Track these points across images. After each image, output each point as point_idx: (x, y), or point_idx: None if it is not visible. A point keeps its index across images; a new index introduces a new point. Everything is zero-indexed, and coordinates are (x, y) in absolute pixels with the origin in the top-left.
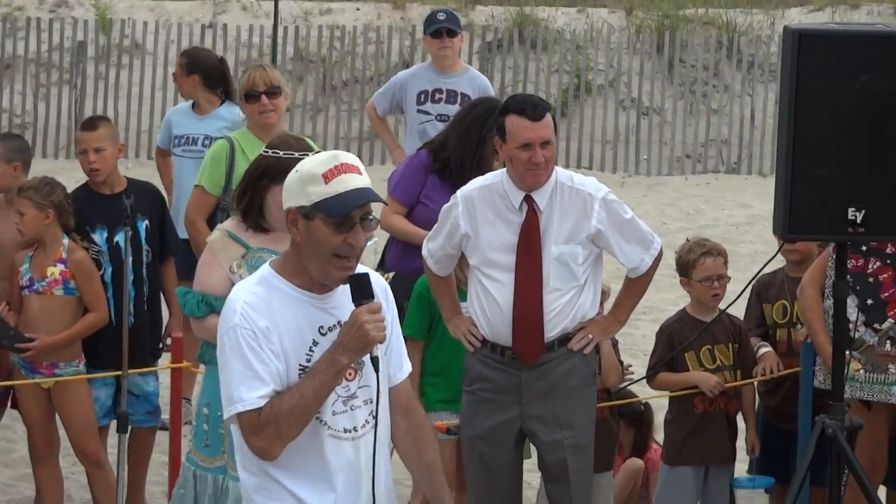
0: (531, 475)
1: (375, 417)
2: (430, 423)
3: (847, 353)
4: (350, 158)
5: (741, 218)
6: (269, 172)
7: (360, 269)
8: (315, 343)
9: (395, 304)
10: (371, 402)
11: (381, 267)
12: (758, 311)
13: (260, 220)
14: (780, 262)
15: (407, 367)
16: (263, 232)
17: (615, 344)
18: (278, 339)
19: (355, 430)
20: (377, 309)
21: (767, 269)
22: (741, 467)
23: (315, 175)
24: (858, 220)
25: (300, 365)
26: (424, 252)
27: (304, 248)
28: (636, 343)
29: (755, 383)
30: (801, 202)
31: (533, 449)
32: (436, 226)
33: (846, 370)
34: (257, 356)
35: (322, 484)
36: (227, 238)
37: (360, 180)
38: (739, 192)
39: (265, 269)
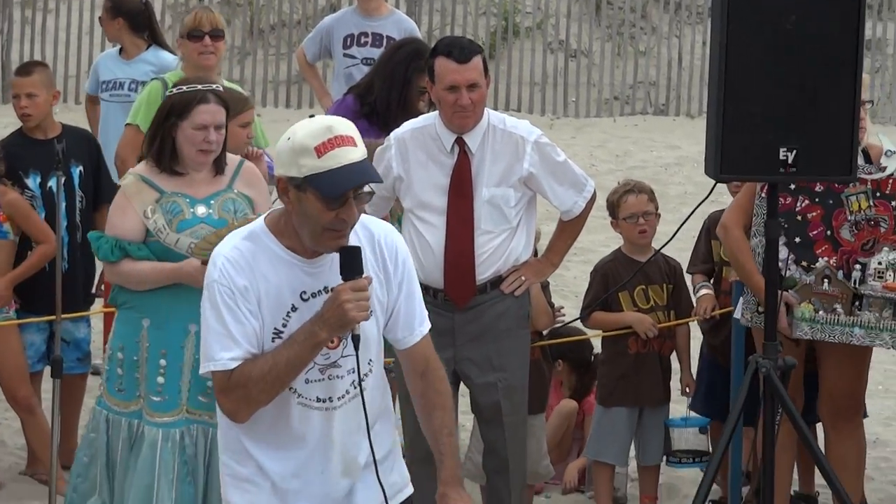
0: (465, 417)
1: (360, 389)
2: (446, 385)
3: (791, 292)
4: (345, 129)
5: (670, 159)
6: (175, 110)
7: (354, 240)
8: (294, 308)
9: (409, 262)
10: (354, 372)
11: None
12: (706, 248)
13: (173, 164)
14: (712, 202)
15: (422, 329)
16: (178, 175)
17: (546, 286)
18: (256, 299)
19: (330, 400)
20: (362, 287)
21: (714, 207)
22: (675, 408)
23: (307, 147)
24: (790, 161)
25: (274, 328)
26: None
27: (295, 216)
28: (567, 284)
29: (689, 324)
30: (733, 143)
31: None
32: None
33: (798, 311)
34: (233, 315)
35: (282, 451)
36: (141, 183)
37: (354, 153)
38: (668, 133)
39: (259, 222)
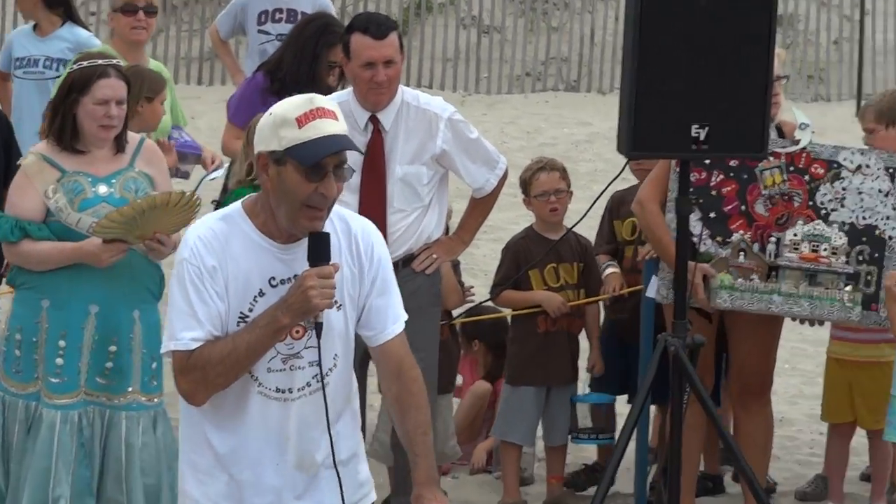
0: (373, 397)
1: (321, 381)
2: (420, 385)
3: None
4: (326, 103)
5: (581, 136)
6: (76, 86)
7: (331, 230)
8: (261, 293)
9: (384, 259)
10: (316, 365)
11: (225, 192)
12: (609, 228)
13: (74, 142)
14: (622, 180)
15: (394, 328)
16: (79, 154)
17: (456, 265)
18: (224, 280)
19: (290, 391)
20: (328, 274)
21: (620, 186)
22: (583, 388)
23: (288, 119)
24: (702, 137)
25: (240, 313)
26: None
27: (273, 194)
28: (477, 263)
29: (599, 303)
30: (645, 120)
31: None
32: None
33: (717, 281)
34: (199, 295)
35: (237, 438)
36: (42, 162)
37: (335, 126)
38: (579, 109)
39: (236, 204)
